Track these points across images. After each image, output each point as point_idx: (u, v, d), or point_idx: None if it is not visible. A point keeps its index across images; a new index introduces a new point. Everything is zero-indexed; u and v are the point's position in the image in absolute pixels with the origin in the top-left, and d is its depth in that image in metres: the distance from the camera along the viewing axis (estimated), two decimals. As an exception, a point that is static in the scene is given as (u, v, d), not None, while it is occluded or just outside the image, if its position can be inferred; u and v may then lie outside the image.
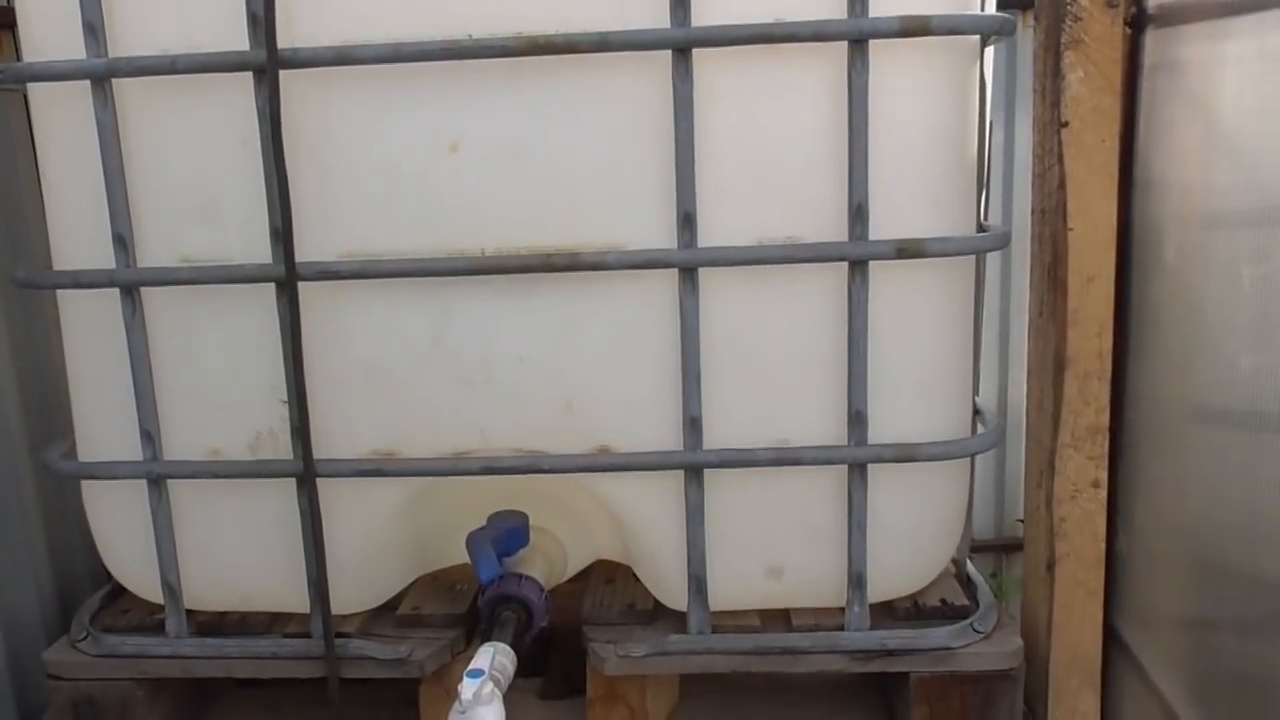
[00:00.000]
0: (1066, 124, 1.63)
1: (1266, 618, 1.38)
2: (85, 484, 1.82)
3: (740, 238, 1.58)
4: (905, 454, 1.63)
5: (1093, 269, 1.65)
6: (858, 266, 1.57)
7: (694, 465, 1.64)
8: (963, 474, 1.78)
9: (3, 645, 1.92)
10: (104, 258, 1.63)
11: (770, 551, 1.71)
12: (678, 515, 1.67)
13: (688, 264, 1.57)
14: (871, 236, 1.56)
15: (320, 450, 1.65)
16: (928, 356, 1.67)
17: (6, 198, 2.01)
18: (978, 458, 1.81)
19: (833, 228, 1.57)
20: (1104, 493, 1.71)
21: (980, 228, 1.72)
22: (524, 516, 1.73)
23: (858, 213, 1.55)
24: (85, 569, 2.12)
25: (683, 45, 1.50)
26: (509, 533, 1.71)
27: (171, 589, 1.75)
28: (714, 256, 1.57)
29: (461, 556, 1.73)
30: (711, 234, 1.57)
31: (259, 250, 1.60)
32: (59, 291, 1.74)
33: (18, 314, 2.01)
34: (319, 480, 1.65)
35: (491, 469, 1.66)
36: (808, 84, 1.54)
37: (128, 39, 1.58)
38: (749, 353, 1.62)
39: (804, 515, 1.68)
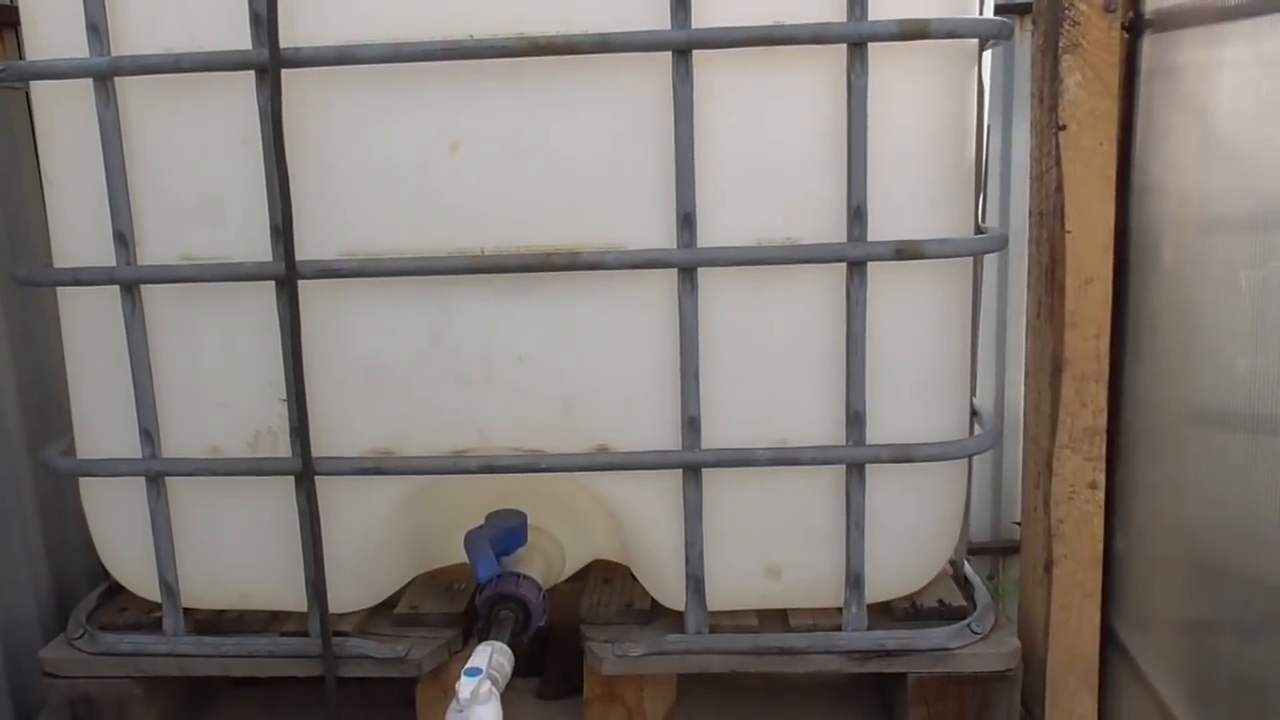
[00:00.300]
0: (1064, 127, 1.63)
1: (1264, 619, 1.38)
2: (83, 482, 1.82)
3: (740, 238, 1.58)
4: (903, 454, 1.63)
5: (1090, 271, 1.66)
6: (856, 267, 1.57)
7: (692, 465, 1.64)
8: (960, 475, 1.78)
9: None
10: (105, 255, 1.64)
11: (768, 551, 1.71)
12: (676, 515, 1.67)
13: (687, 264, 1.57)
14: (870, 238, 1.56)
15: (319, 449, 1.65)
16: (926, 357, 1.67)
17: (8, 196, 2.01)
18: (975, 459, 1.82)
19: (832, 229, 1.58)
20: (1101, 494, 1.71)
21: (978, 230, 1.73)
22: (522, 516, 1.73)
23: (856, 214, 1.56)
24: (83, 567, 2.12)
25: (683, 47, 1.51)
26: (507, 532, 1.71)
27: (169, 587, 1.75)
28: (713, 257, 1.58)
29: (460, 555, 1.73)
30: (711, 234, 1.58)
31: (259, 249, 1.61)
32: (59, 289, 1.75)
33: (17, 312, 2.01)
34: (318, 479, 1.65)
35: (490, 468, 1.66)
36: (807, 86, 1.55)
37: (130, 38, 1.59)
38: (748, 353, 1.63)
39: (802, 515, 1.69)
